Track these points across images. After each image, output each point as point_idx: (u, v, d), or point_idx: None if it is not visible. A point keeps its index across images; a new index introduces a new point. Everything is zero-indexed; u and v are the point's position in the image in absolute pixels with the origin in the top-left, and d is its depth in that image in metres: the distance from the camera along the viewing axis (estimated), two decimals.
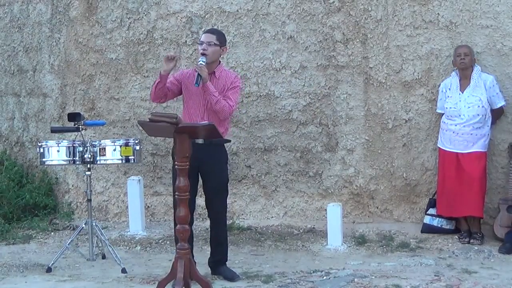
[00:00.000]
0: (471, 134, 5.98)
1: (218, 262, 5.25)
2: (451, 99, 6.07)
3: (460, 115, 6.01)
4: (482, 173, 6.02)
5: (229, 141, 5.46)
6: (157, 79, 5.05)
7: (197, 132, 4.54)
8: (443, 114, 6.18)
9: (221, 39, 5.14)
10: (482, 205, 6.03)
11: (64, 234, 6.66)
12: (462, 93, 6.04)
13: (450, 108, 6.06)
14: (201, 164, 4.99)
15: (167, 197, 6.88)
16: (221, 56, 5.26)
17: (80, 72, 7.05)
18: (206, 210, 5.36)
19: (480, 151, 6.01)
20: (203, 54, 5.02)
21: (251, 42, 6.63)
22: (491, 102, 6.01)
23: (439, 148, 6.20)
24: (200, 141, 4.91)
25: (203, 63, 4.96)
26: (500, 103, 6.03)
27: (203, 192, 5.24)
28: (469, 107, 5.98)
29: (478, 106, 5.98)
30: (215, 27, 6.50)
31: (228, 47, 5.59)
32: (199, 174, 5.11)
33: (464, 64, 6.00)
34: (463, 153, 6.00)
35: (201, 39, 5.13)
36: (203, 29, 6.54)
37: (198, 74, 4.92)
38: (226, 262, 5.28)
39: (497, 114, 6.10)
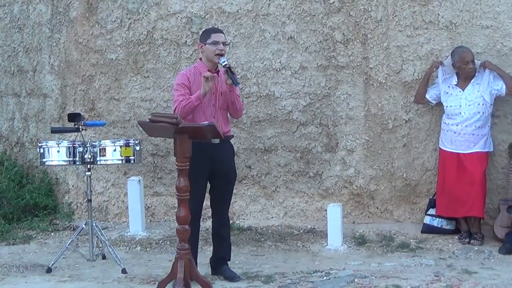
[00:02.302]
0: (473, 134, 5.99)
1: (220, 261, 5.24)
2: (452, 97, 6.07)
3: (460, 113, 6.01)
4: (484, 174, 6.02)
5: (233, 136, 5.48)
6: (194, 100, 4.87)
7: (197, 132, 4.54)
8: (428, 100, 6.19)
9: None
10: (483, 206, 6.02)
11: (64, 234, 6.66)
12: (463, 91, 6.04)
13: (451, 106, 6.06)
14: (216, 162, 5.00)
15: (167, 198, 6.88)
16: None
17: (80, 73, 7.05)
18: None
19: (482, 151, 6.01)
20: (221, 55, 4.97)
21: (251, 42, 6.63)
22: (500, 86, 5.94)
23: (440, 148, 6.20)
24: (216, 140, 4.87)
25: (226, 63, 4.93)
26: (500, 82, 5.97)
27: (210, 191, 5.23)
28: (469, 105, 5.98)
29: (479, 104, 5.98)
30: (215, 27, 6.50)
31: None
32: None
33: (473, 71, 6.00)
34: (464, 154, 6.00)
35: (214, 39, 4.99)
36: (203, 29, 6.54)
37: (232, 73, 4.89)
38: (228, 262, 5.28)
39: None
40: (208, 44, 5.02)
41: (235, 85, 4.94)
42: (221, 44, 4.99)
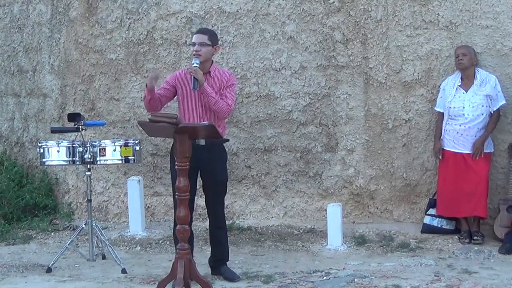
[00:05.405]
0: (475, 136, 5.98)
1: (219, 262, 5.25)
2: (454, 99, 6.05)
3: (464, 115, 6.00)
4: (487, 174, 6.02)
5: (228, 140, 5.46)
6: (147, 95, 5.02)
7: (197, 132, 4.54)
8: (441, 113, 6.17)
9: (213, 38, 5.13)
10: (486, 206, 6.02)
11: (64, 234, 6.66)
12: (466, 92, 6.03)
13: (454, 108, 6.04)
14: (201, 164, 5.00)
15: (167, 197, 6.88)
16: (214, 55, 5.25)
17: (80, 73, 7.05)
18: (206, 210, 5.36)
19: (484, 151, 6.00)
20: (196, 56, 5.01)
21: (251, 42, 6.63)
22: (491, 103, 5.99)
23: (442, 148, 6.18)
24: (202, 142, 4.90)
25: (197, 65, 4.96)
26: (499, 103, 5.99)
27: (203, 192, 5.25)
28: (473, 107, 5.97)
29: (482, 106, 5.97)
30: (215, 27, 6.51)
31: (220, 46, 5.58)
32: (198, 174, 5.12)
33: (463, 65, 6.01)
34: (468, 154, 5.99)
35: (192, 40, 5.12)
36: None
37: (194, 77, 4.93)
38: (227, 262, 5.28)
39: (495, 119, 6.04)
40: (191, 45, 5.16)
41: (191, 88, 4.97)
42: (197, 45, 5.03)
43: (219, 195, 5.21)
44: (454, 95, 6.06)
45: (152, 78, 4.98)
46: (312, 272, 5.32)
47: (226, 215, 5.43)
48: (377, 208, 6.58)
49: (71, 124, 5.74)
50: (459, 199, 6.01)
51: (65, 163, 5.78)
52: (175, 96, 5.21)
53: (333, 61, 6.50)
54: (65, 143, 5.68)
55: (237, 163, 6.75)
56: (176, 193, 4.51)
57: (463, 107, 6.01)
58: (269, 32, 6.59)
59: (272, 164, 6.74)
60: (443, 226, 6.25)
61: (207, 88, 4.98)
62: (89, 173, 5.71)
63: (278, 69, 6.61)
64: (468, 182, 5.98)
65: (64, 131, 6.11)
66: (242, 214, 6.81)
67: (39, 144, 5.71)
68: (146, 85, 5.02)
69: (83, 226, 5.72)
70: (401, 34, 6.35)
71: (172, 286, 4.61)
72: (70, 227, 6.81)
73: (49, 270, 5.47)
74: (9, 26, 7.87)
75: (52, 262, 5.51)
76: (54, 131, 6.01)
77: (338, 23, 6.46)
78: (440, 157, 6.14)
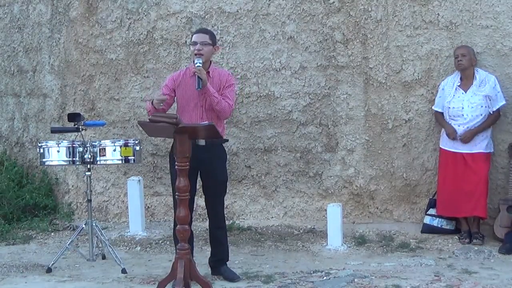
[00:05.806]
0: (475, 136, 5.98)
1: (219, 262, 5.26)
2: (454, 99, 6.06)
3: (463, 115, 6.00)
4: (487, 174, 6.02)
5: (227, 140, 5.45)
6: (151, 109, 4.96)
7: (197, 132, 4.54)
8: (439, 112, 6.17)
9: (213, 38, 5.14)
10: (486, 206, 6.02)
11: (64, 234, 6.66)
12: (465, 92, 6.03)
13: (454, 108, 6.05)
14: (201, 164, 5.00)
15: (167, 198, 6.88)
16: (213, 55, 5.24)
17: (80, 73, 7.05)
18: (206, 210, 5.36)
19: (484, 152, 6.01)
20: (198, 55, 5.00)
21: (251, 42, 6.63)
22: (490, 104, 5.99)
23: (441, 148, 6.19)
24: (201, 142, 4.90)
25: (200, 65, 4.94)
26: (498, 104, 5.99)
27: (203, 192, 5.25)
28: (472, 107, 5.98)
29: (481, 106, 5.97)
30: (215, 27, 6.51)
31: (220, 46, 5.56)
32: (198, 174, 5.12)
33: (462, 65, 6.01)
34: (467, 154, 5.99)
35: (193, 40, 5.09)
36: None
37: (198, 77, 4.91)
38: (227, 262, 5.28)
39: (493, 118, 6.04)
40: (191, 45, 5.11)
41: (196, 88, 4.95)
42: (199, 45, 5.01)
43: (219, 195, 5.21)
44: (454, 95, 6.06)
45: (160, 101, 4.93)
46: (312, 272, 5.32)
47: (226, 215, 5.44)
48: (377, 208, 6.58)
49: (71, 124, 5.74)
50: (459, 199, 6.02)
51: (65, 163, 5.77)
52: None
53: (333, 61, 6.50)
54: (65, 143, 5.68)
55: (237, 163, 6.75)
56: (176, 193, 4.51)
57: (462, 108, 6.01)
58: (269, 32, 6.59)
59: (272, 164, 6.74)
60: (443, 226, 6.25)
61: (210, 88, 4.98)
62: (89, 173, 5.71)
63: (278, 69, 6.61)
64: (467, 182, 5.98)
65: (64, 131, 6.10)
66: (242, 214, 6.81)
67: (39, 144, 5.71)
68: (152, 102, 4.96)
69: (83, 226, 5.72)
70: (401, 34, 6.35)
71: (172, 286, 4.62)
72: (70, 227, 6.81)
73: (49, 270, 5.47)
74: (9, 26, 7.87)
75: (52, 262, 5.51)
76: (54, 131, 6.01)
77: (338, 23, 6.46)
78: (459, 137, 5.99)
